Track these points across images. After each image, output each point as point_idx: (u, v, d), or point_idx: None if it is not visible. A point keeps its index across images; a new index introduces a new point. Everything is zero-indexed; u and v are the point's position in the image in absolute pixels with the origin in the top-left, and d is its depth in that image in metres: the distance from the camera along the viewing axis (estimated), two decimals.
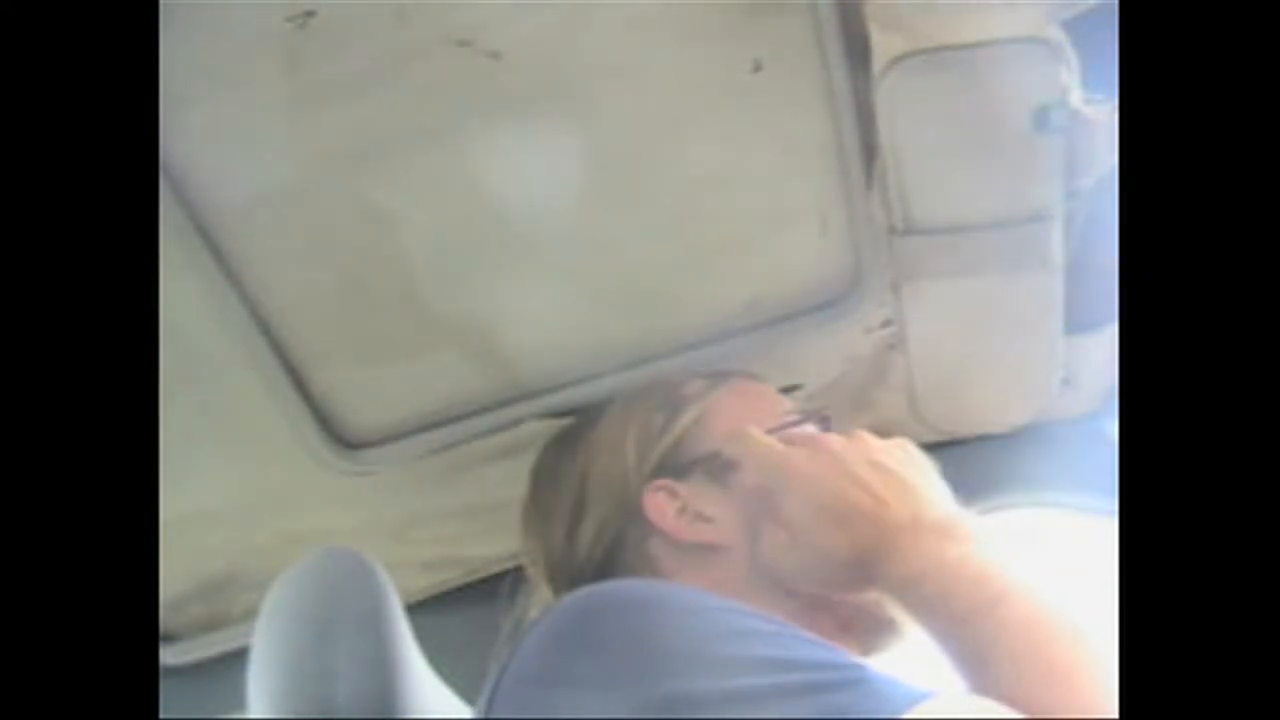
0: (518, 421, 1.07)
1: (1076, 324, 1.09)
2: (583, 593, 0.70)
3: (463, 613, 1.18)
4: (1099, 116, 0.90)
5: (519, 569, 1.02)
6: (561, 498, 0.94)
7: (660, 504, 0.87)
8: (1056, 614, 0.67)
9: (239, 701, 0.82)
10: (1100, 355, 1.13)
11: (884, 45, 0.86)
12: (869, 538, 0.76)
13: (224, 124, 0.84)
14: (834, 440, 0.84)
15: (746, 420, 0.90)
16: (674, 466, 0.90)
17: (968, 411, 1.18)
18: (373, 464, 1.07)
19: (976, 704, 0.61)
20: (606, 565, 0.89)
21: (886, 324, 1.08)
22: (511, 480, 1.11)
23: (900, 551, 0.74)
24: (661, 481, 0.89)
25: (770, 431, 0.88)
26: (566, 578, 0.92)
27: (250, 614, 0.84)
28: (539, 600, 0.96)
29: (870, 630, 0.82)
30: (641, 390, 0.99)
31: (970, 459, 1.19)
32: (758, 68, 0.88)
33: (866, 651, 0.82)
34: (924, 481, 0.80)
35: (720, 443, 0.89)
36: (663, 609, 0.66)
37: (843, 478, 0.79)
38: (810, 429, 0.92)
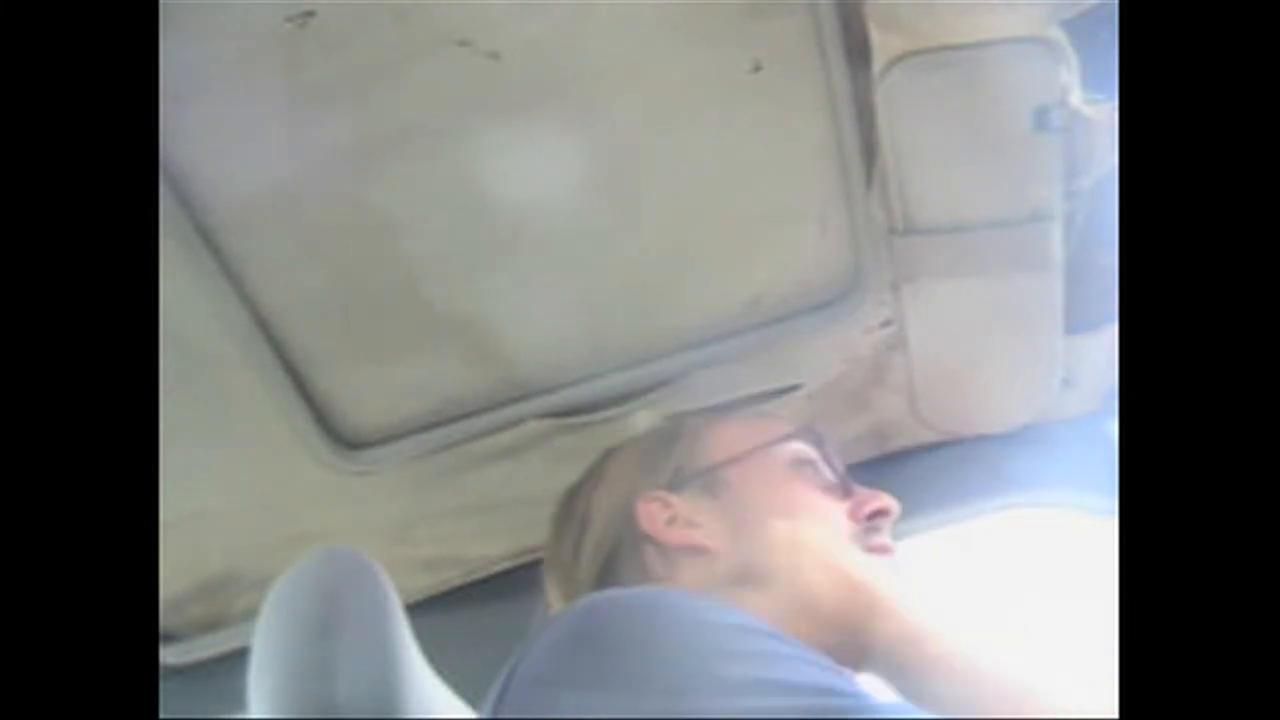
0: (518, 421, 1.07)
1: (1076, 324, 1.09)
2: (599, 597, 0.71)
3: (463, 613, 1.19)
4: (1099, 116, 0.90)
5: (524, 567, 1.03)
6: (572, 524, 0.97)
7: (652, 513, 0.91)
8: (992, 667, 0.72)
9: (239, 701, 0.82)
10: (1100, 355, 1.13)
11: (884, 45, 0.86)
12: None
13: (224, 124, 0.84)
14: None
15: (741, 438, 0.94)
16: (672, 483, 0.93)
17: (968, 411, 1.18)
18: (373, 464, 1.07)
19: None
20: (604, 573, 0.92)
21: (886, 324, 1.08)
22: (511, 480, 1.12)
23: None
24: (655, 494, 0.92)
25: (757, 449, 0.92)
26: (573, 587, 0.94)
27: (250, 614, 0.84)
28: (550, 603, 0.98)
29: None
30: (651, 429, 1.03)
31: (970, 459, 1.19)
32: (758, 68, 0.88)
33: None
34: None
35: (714, 460, 0.93)
36: (676, 623, 0.67)
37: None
38: (801, 452, 0.94)
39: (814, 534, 0.85)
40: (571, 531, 0.96)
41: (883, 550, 0.89)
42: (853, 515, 0.90)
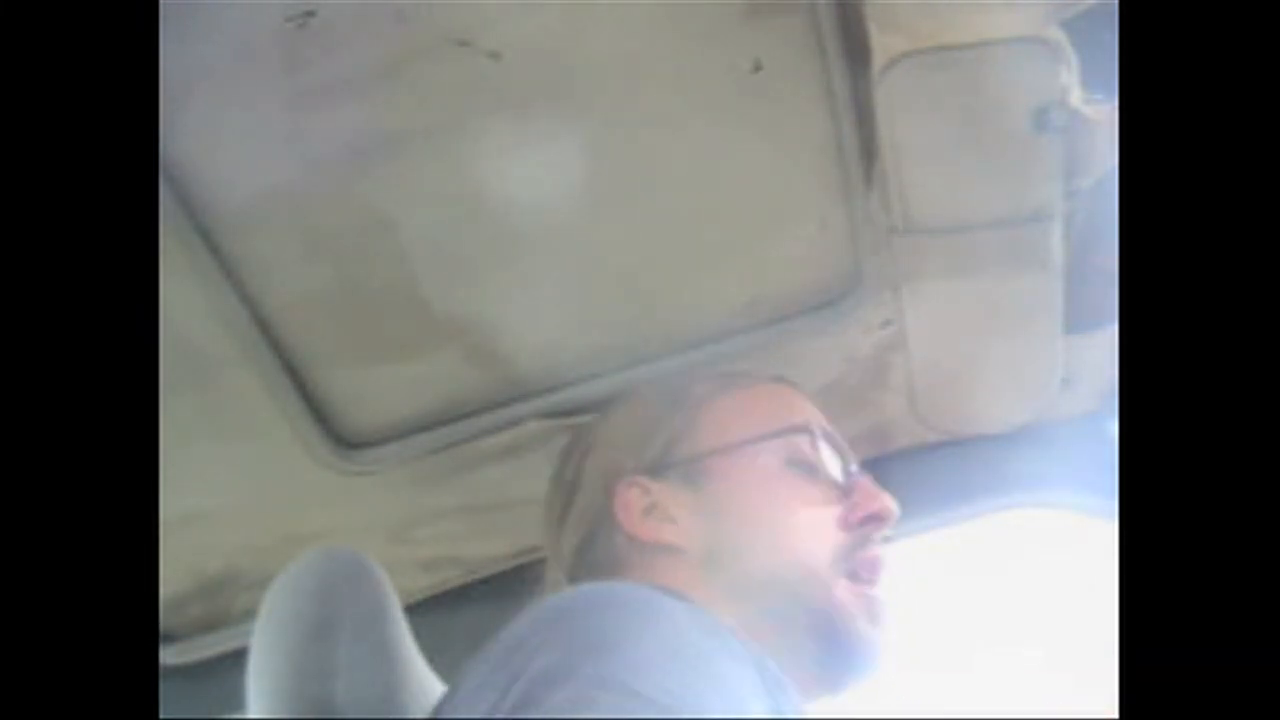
0: (518, 421, 1.07)
1: (1076, 324, 1.09)
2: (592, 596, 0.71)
3: (463, 613, 1.19)
4: (1099, 116, 0.90)
5: (524, 567, 1.03)
6: (561, 490, 0.94)
7: (629, 500, 0.88)
8: None
9: (239, 701, 0.82)
10: (1100, 355, 1.13)
11: (884, 45, 0.86)
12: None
13: (224, 124, 0.84)
14: None
15: (735, 424, 0.90)
16: (656, 465, 0.90)
17: (968, 411, 1.18)
18: (373, 464, 1.07)
19: None
20: (582, 549, 0.90)
21: (886, 324, 1.08)
22: (511, 480, 1.12)
23: None
24: (635, 478, 0.89)
25: (748, 443, 0.89)
26: (556, 560, 0.93)
27: (250, 614, 0.84)
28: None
29: (833, 635, 0.83)
30: (648, 387, 0.99)
31: (970, 459, 1.19)
32: (758, 68, 0.88)
33: (832, 660, 0.84)
34: None
35: (703, 447, 0.90)
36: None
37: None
38: (797, 450, 0.91)
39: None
40: (560, 497, 0.93)
41: (868, 570, 0.86)
42: (844, 523, 0.87)
